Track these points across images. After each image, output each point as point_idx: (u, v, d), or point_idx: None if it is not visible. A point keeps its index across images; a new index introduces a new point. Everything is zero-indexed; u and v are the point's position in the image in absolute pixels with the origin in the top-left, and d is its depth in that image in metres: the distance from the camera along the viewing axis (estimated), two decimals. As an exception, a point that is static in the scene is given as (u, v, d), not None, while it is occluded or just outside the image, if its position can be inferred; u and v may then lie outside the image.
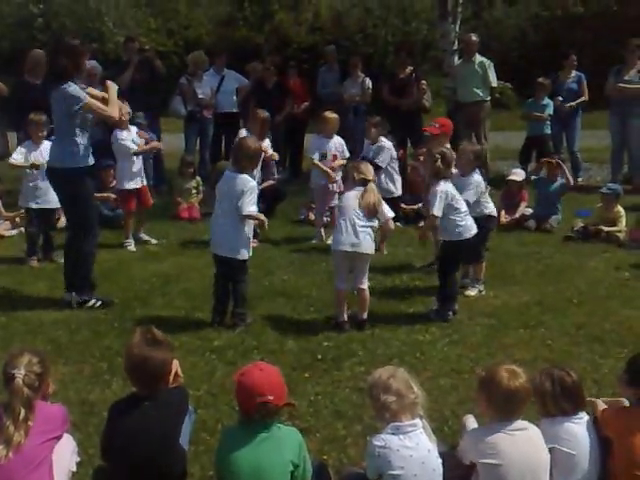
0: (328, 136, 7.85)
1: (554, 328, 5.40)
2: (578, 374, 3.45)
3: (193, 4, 20.60)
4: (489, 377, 3.17)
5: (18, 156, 7.07)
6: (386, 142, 8.10)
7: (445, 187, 5.56)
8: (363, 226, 5.31)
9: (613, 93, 10.12)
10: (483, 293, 6.14)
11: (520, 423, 3.11)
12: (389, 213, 5.58)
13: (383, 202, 5.54)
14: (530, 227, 8.25)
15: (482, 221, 5.93)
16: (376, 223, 5.44)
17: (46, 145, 6.76)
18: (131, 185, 7.63)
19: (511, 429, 3.08)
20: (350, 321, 5.45)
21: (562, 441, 3.18)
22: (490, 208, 6.17)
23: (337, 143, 7.88)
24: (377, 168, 7.49)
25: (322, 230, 7.87)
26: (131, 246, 7.66)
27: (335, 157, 7.82)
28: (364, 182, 5.44)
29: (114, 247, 7.58)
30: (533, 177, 8.79)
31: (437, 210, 5.52)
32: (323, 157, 7.80)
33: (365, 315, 5.46)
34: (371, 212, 5.37)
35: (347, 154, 7.98)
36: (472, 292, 6.11)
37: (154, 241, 7.85)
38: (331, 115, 7.92)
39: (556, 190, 8.48)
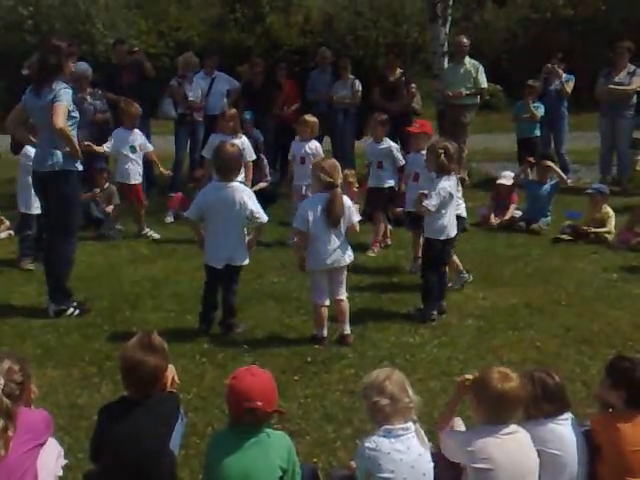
0: (304, 139, 7.92)
1: (543, 330, 5.43)
2: (561, 375, 3.44)
3: (184, 6, 20.58)
4: (481, 378, 3.16)
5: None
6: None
7: (446, 184, 5.50)
8: (336, 237, 5.07)
9: (603, 95, 10.19)
10: (470, 279, 6.32)
11: (509, 427, 3.09)
12: (355, 217, 5.20)
13: (351, 206, 5.18)
14: (520, 228, 8.26)
15: None
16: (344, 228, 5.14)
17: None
18: (124, 180, 8.17)
19: (500, 433, 3.07)
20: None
21: (548, 442, 3.17)
22: (460, 209, 6.19)
23: (312, 147, 7.91)
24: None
25: None
26: (153, 232, 8.19)
27: (303, 159, 7.86)
28: (331, 186, 5.02)
29: (104, 250, 7.58)
30: (522, 178, 8.80)
31: (433, 206, 5.48)
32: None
33: (348, 328, 5.22)
34: (336, 222, 5.03)
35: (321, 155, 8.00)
36: (456, 286, 6.23)
37: (156, 235, 8.17)
38: (310, 118, 8.00)
39: (547, 192, 8.49)
